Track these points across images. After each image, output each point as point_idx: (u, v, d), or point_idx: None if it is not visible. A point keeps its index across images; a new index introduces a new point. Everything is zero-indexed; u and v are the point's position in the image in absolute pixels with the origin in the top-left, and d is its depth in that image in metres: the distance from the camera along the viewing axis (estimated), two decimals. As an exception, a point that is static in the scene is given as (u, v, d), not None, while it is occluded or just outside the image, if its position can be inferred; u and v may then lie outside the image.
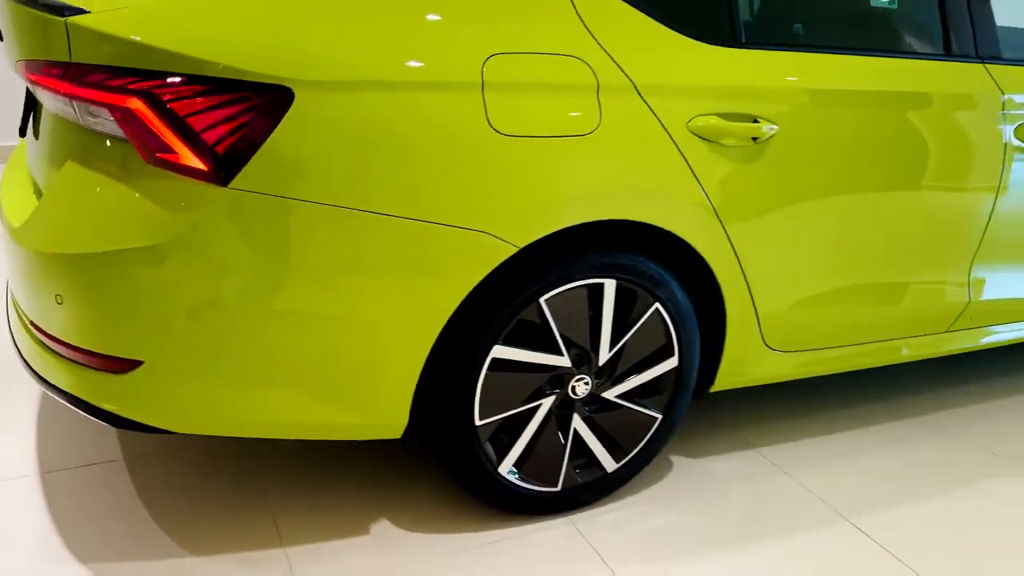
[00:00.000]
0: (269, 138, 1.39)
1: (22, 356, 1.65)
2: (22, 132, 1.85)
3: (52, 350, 1.54)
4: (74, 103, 1.42)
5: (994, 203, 2.12)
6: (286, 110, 1.39)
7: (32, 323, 1.57)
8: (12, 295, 1.75)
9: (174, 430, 1.55)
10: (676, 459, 2.14)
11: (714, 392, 2.02)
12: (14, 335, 1.71)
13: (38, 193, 1.67)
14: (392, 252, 1.49)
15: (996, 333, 2.40)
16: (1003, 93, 2.04)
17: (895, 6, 2.13)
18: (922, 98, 1.95)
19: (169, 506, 1.82)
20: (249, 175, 1.39)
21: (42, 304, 1.51)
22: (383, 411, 1.62)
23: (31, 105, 1.80)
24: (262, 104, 1.38)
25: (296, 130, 1.40)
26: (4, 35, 1.63)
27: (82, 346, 1.48)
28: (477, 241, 1.53)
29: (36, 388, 2.24)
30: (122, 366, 1.48)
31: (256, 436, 1.60)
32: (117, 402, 1.51)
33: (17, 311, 1.70)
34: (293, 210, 1.42)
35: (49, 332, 1.52)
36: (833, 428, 2.34)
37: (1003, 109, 2.05)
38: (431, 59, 1.47)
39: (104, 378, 1.50)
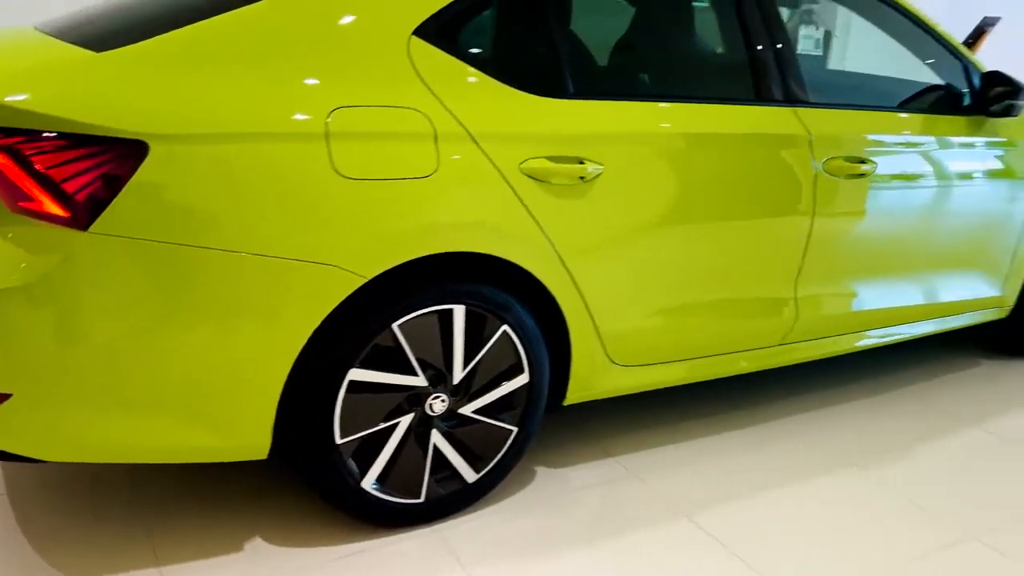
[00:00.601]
0: (125, 187, 1.54)
1: None
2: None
3: (-76, 388, 1.64)
4: (-58, 159, 1.55)
5: (810, 227, 2.39)
6: (141, 161, 1.55)
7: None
8: None
9: (45, 459, 1.66)
10: (539, 469, 2.32)
11: (570, 405, 2.22)
12: None
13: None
14: (247, 285, 1.65)
15: (832, 344, 2.67)
16: (810, 133, 2.33)
17: (711, 56, 2.41)
18: (735, 138, 2.21)
19: (50, 533, 1.91)
20: (107, 220, 1.54)
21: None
22: (246, 433, 1.76)
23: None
24: (118, 156, 1.54)
25: (151, 179, 1.55)
26: None
27: (-48, 382, 1.59)
28: (327, 274, 1.70)
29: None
30: (-9, 399, 1.60)
31: (125, 461, 1.72)
32: (-13, 434, 1.62)
33: None
34: (150, 250, 1.57)
35: (-80, 370, 1.63)
36: (687, 435, 2.56)
37: (811, 146, 2.33)
38: (278, 113, 1.65)
39: (-26, 412, 1.61)
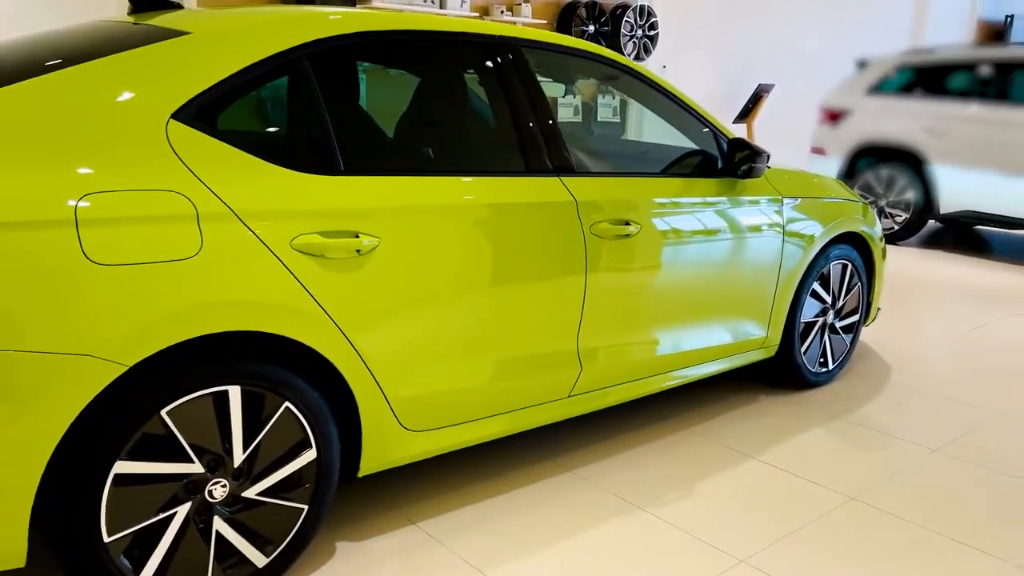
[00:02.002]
0: None
1: None
2: None
3: None
4: None
5: (585, 285, 2.56)
6: None
7: None
8: None
9: None
10: (339, 543, 2.30)
11: (365, 475, 2.22)
12: None
13: None
14: (-9, 384, 1.56)
15: (617, 393, 2.84)
16: (575, 199, 2.52)
17: (483, 130, 2.56)
18: (506, 208, 2.35)
19: None
20: None
21: None
22: (-3, 542, 1.64)
23: None
24: None
25: None
26: None
27: None
28: (82, 364, 1.64)
29: None
30: None
31: None
32: None
33: None
34: None
35: None
36: (484, 494, 2.62)
37: (577, 211, 2.52)
38: (24, 199, 1.60)
39: None
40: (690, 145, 3.09)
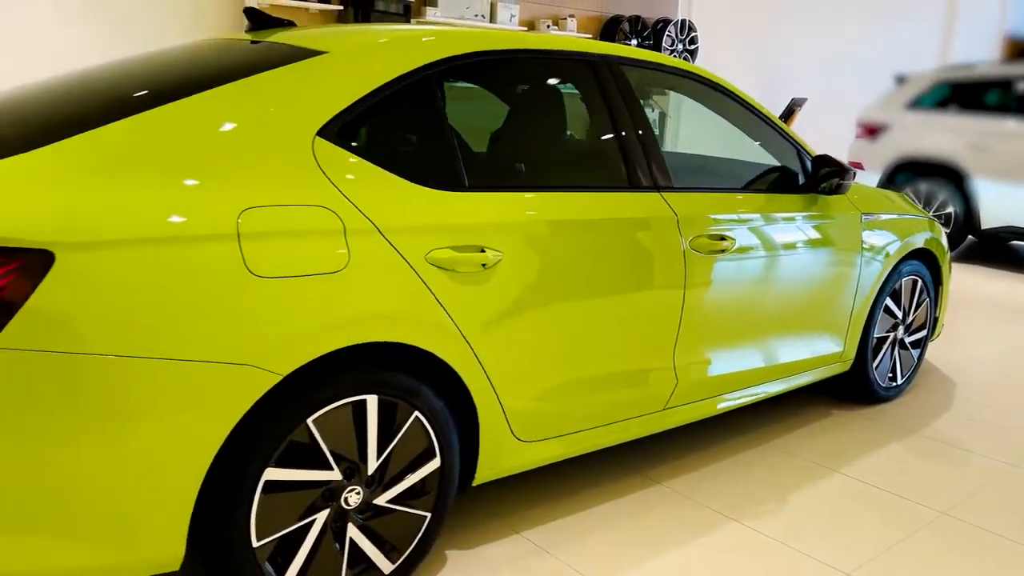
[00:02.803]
0: (31, 297, 1.48)
1: None
2: None
3: None
4: None
5: (683, 300, 2.60)
6: (46, 271, 1.50)
7: None
8: None
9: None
10: (450, 552, 2.34)
11: (477, 485, 2.26)
12: None
13: None
14: (158, 391, 1.61)
15: (708, 406, 2.88)
16: (676, 214, 2.56)
17: (588, 148, 2.61)
18: (616, 223, 2.40)
19: None
20: (12, 333, 1.47)
21: None
22: (159, 546, 1.68)
23: None
24: (22, 267, 1.48)
25: (58, 288, 1.50)
26: None
27: None
28: (242, 374, 1.69)
29: None
30: None
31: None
32: None
33: None
34: (59, 362, 1.51)
35: None
36: (586, 503, 2.66)
37: (678, 226, 2.56)
38: (188, 216, 1.65)
39: None
40: (762, 160, 3.14)
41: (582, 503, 2.67)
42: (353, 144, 1.96)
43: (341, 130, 1.95)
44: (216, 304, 1.66)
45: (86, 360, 1.53)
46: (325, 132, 1.91)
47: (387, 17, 5.50)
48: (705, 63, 8.27)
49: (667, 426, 2.76)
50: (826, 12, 10.07)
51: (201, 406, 1.66)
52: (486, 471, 2.25)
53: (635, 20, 7.48)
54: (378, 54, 2.08)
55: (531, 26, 6.85)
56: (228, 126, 1.80)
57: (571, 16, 7.03)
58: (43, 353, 1.50)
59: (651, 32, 7.52)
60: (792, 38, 9.83)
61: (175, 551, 1.72)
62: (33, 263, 1.49)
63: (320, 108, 1.93)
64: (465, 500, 2.63)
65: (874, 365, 3.58)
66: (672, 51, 7.74)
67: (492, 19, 6.44)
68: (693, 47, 7.91)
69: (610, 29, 7.35)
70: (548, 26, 6.84)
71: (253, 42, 2.32)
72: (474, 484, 2.25)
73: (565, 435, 2.42)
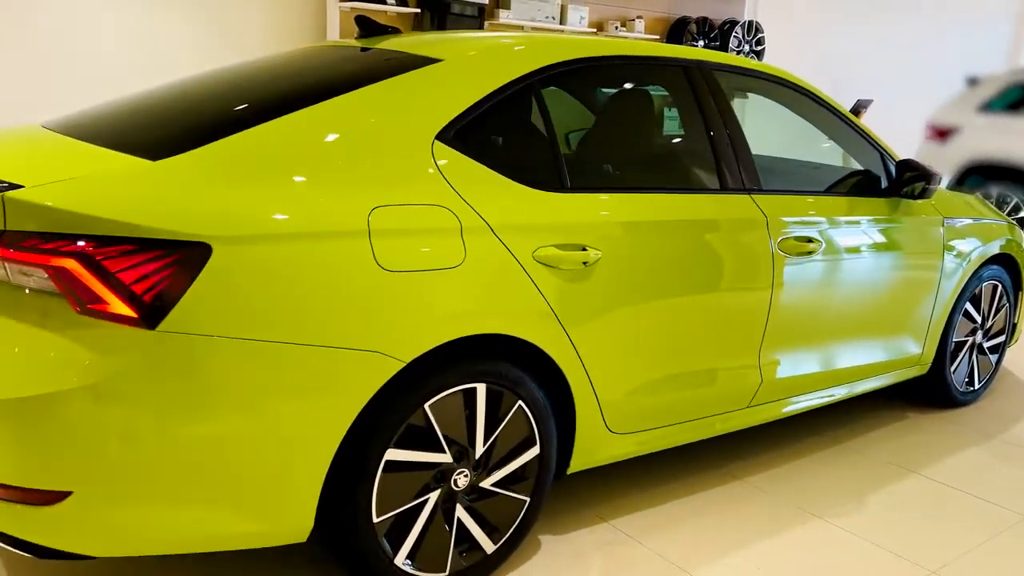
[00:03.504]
0: (192, 286, 1.63)
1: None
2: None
3: (-27, 490, 1.65)
4: (6, 264, 1.61)
5: (770, 300, 2.67)
6: (205, 262, 1.65)
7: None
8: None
9: (98, 555, 1.68)
10: (543, 537, 2.45)
11: (570, 474, 2.36)
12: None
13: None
14: (298, 375, 1.75)
15: (792, 404, 2.94)
16: (766, 216, 2.63)
17: (682, 152, 2.69)
18: (707, 224, 2.48)
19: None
20: (174, 319, 1.62)
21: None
22: (292, 518, 1.83)
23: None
24: (184, 259, 1.63)
25: (214, 278, 1.65)
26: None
27: (10, 483, 1.61)
28: (371, 360, 1.82)
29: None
30: (50, 498, 1.62)
31: (175, 552, 1.75)
32: (42, 533, 1.64)
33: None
34: (212, 345, 1.66)
35: (-28, 473, 1.63)
36: (671, 496, 2.74)
37: (768, 227, 2.63)
38: (325, 213, 1.79)
39: (30, 512, 1.62)
40: (845, 163, 3.18)
41: (667, 495, 2.76)
42: (467, 147, 2.08)
43: (456, 134, 2.07)
44: (349, 295, 1.79)
45: (236, 344, 1.68)
46: (442, 136, 2.04)
47: (462, 20, 5.63)
48: (771, 63, 8.27)
49: (750, 423, 2.82)
50: (896, 12, 9.93)
51: (335, 388, 1.79)
52: (580, 460, 2.36)
53: (702, 21, 7.50)
54: (490, 61, 2.20)
55: (600, 27, 6.92)
56: (357, 130, 1.94)
57: (639, 17, 7.08)
58: (201, 337, 1.64)
59: (718, 33, 7.54)
60: (860, 39, 9.72)
61: (306, 524, 1.86)
62: (193, 255, 1.64)
63: (438, 113, 2.05)
64: (558, 489, 2.73)
65: (952, 369, 3.59)
66: (738, 52, 7.73)
67: (562, 21, 6.53)
68: (760, 48, 7.90)
69: (677, 30, 7.39)
70: (616, 27, 6.90)
71: (363, 49, 2.46)
72: (568, 472, 2.36)
73: (654, 429, 2.51)
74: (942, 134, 7.75)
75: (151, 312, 1.61)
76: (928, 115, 7.87)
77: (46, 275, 1.59)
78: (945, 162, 7.64)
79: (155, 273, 1.62)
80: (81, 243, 1.59)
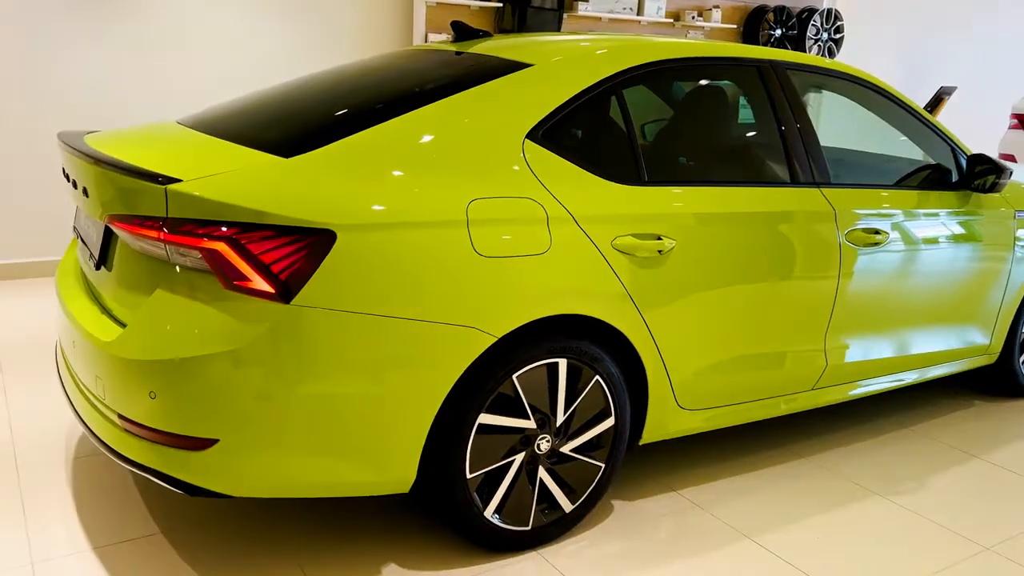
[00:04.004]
0: (320, 266, 1.90)
1: (104, 444, 2.05)
2: (99, 266, 2.27)
3: (137, 435, 1.96)
4: (167, 246, 1.91)
5: (836, 288, 2.81)
6: (331, 246, 1.91)
7: (120, 415, 1.99)
8: (82, 395, 2.15)
9: (236, 495, 1.98)
10: (616, 502, 2.67)
11: (642, 445, 2.57)
12: (92, 428, 2.11)
13: (105, 311, 2.13)
14: (405, 345, 2.01)
15: (858, 387, 3.08)
16: (834, 208, 2.77)
17: (754, 146, 2.85)
18: (777, 215, 2.64)
19: (208, 566, 2.20)
20: (305, 294, 1.89)
21: (132, 399, 1.94)
22: (398, 470, 2.09)
23: (106, 245, 2.23)
24: (314, 243, 1.90)
25: (338, 260, 1.92)
26: (90, 195, 2.10)
27: (169, 430, 1.92)
28: (468, 334, 2.07)
29: (68, 473, 2.57)
30: (200, 444, 1.92)
31: (300, 496, 2.04)
32: (194, 474, 1.94)
33: (93, 408, 2.10)
34: (336, 318, 1.93)
35: (137, 421, 1.95)
36: (738, 470, 2.93)
37: (835, 220, 2.77)
38: (430, 205, 2.04)
39: (184, 455, 1.93)
40: (917, 157, 3.26)
41: (733, 469, 2.94)
42: (553, 145, 2.29)
43: (544, 133, 2.29)
44: (450, 277, 2.04)
45: (355, 318, 1.94)
46: (532, 135, 2.26)
47: (542, 12, 5.82)
48: (851, 51, 8.17)
49: (815, 405, 2.98)
50: (978, 0, 9.66)
51: (436, 358, 2.05)
52: (651, 433, 2.56)
53: (780, 10, 7.49)
54: (575, 66, 2.41)
55: (677, 17, 7.00)
56: (458, 130, 2.17)
57: (716, 7, 7.13)
58: (326, 311, 1.92)
59: (796, 21, 7.52)
60: (943, 26, 9.49)
61: (409, 476, 2.12)
62: (322, 240, 1.91)
63: (528, 113, 2.27)
64: (632, 460, 2.95)
65: (1020, 359, 3.64)
66: (817, 40, 7.70)
67: (639, 11, 6.65)
68: (839, 36, 7.84)
69: (755, 19, 7.40)
70: (693, 17, 6.97)
71: (457, 53, 2.69)
72: (640, 444, 2.57)
73: (722, 407, 2.69)
74: (1028, 123, 7.57)
75: (286, 289, 1.89)
76: (1013, 103, 7.69)
77: (200, 256, 1.88)
78: (1031, 151, 7.48)
79: (290, 255, 1.89)
80: (229, 229, 1.87)
